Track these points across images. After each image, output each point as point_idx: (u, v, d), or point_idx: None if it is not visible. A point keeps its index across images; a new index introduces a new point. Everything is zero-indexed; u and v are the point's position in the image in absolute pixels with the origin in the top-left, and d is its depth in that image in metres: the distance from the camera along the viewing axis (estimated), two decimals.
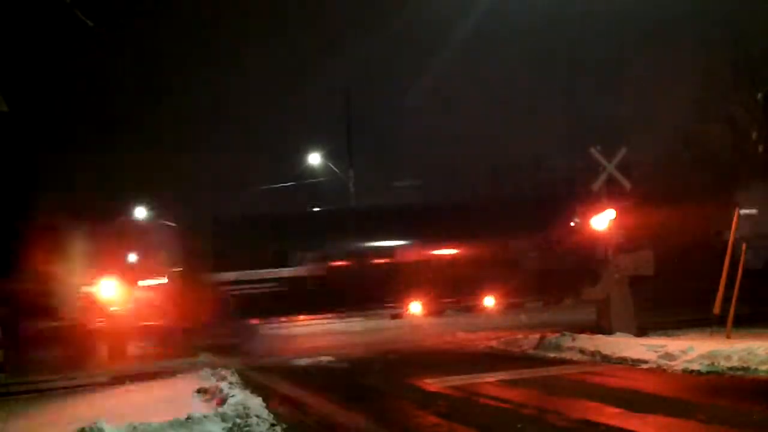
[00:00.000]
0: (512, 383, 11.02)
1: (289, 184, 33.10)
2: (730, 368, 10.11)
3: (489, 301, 25.28)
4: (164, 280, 24.64)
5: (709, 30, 25.36)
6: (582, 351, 13.30)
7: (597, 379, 10.72)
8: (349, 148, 31.01)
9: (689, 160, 25.94)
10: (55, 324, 20.33)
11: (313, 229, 28.26)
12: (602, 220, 15.62)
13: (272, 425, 8.40)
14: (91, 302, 21.82)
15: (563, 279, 22.58)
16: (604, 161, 15.72)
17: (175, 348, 20.03)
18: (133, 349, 21.59)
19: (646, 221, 16.03)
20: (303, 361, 16.51)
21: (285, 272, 26.09)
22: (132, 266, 26.31)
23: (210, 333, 21.45)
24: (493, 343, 16.65)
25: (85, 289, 22.47)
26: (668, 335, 14.45)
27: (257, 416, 8.67)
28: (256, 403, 9.42)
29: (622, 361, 11.96)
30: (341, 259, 27.01)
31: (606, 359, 12.40)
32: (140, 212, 33.02)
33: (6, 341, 18.23)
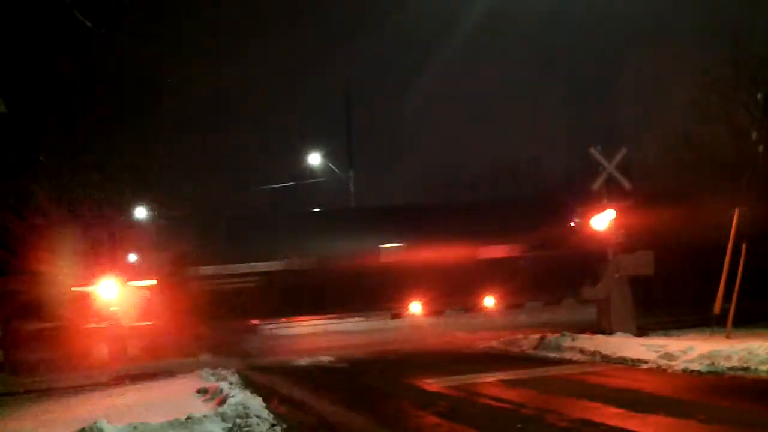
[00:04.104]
0: (512, 383, 11.02)
1: (289, 184, 33.10)
2: (730, 368, 10.12)
3: (489, 301, 25.27)
4: (153, 281, 24.22)
5: (709, 30, 25.37)
6: (582, 351, 13.31)
7: (597, 379, 10.72)
8: (349, 148, 31.04)
9: (689, 160, 25.92)
10: (47, 325, 20.30)
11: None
12: (602, 220, 15.63)
13: (272, 425, 8.40)
14: (86, 303, 21.72)
15: (563, 279, 22.57)
16: (604, 161, 15.73)
17: (169, 348, 20.00)
18: (133, 349, 21.59)
19: (648, 221, 16.02)
20: (303, 361, 16.51)
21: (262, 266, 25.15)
22: (128, 266, 26.07)
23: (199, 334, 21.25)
24: (493, 343, 16.65)
25: (78, 289, 22.35)
26: (668, 335, 14.46)
27: (257, 416, 8.67)
28: (256, 403, 9.42)
29: (622, 361, 11.97)
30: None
31: (606, 359, 12.40)
32: (140, 212, 32.96)
33: (4, 341, 18.27)
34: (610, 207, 15.66)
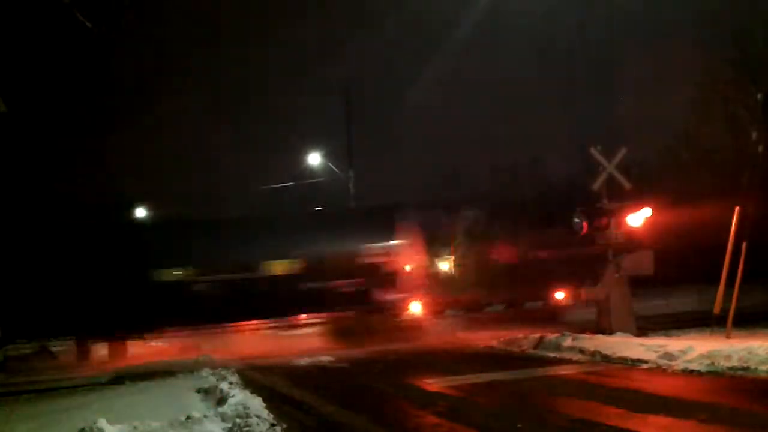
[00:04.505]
0: (512, 383, 11.02)
1: (289, 184, 33.12)
2: (730, 368, 10.12)
3: (489, 301, 25.25)
4: None
5: (709, 30, 25.39)
6: (582, 351, 13.30)
7: (597, 379, 10.72)
8: (349, 148, 30.95)
9: (689, 160, 25.96)
10: None
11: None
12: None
13: (272, 425, 8.40)
14: None
15: (563, 279, 22.54)
16: (604, 161, 15.73)
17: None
18: (133, 349, 21.60)
19: (648, 221, 16.01)
20: (303, 361, 16.50)
21: None
22: None
23: None
24: (493, 343, 16.65)
25: None
26: (668, 335, 14.46)
27: (257, 416, 8.67)
28: (256, 403, 9.42)
29: (622, 361, 11.96)
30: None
31: (606, 359, 12.39)
32: (140, 212, 33.02)
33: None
34: (611, 207, 15.66)
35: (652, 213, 15.78)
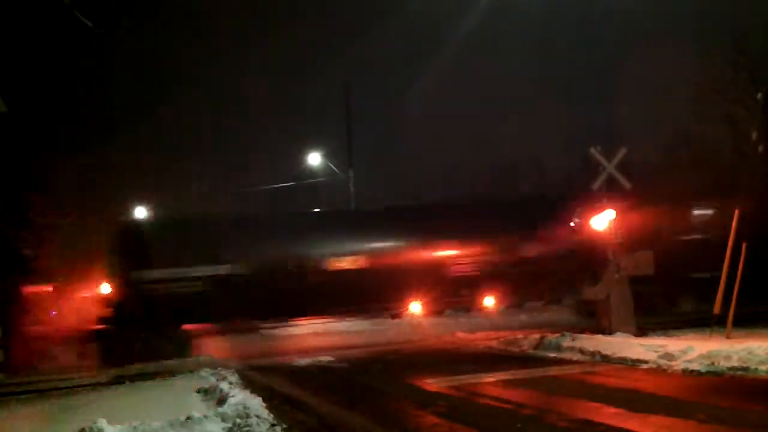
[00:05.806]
0: (512, 383, 11.02)
1: (289, 184, 33.15)
2: (730, 368, 10.12)
3: (489, 301, 25.24)
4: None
5: (709, 30, 25.39)
6: (582, 351, 13.31)
7: (597, 379, 10.72)
8: (349, 147, 30.94)
9: (689, 160, 25.95)
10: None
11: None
12: (602, 221, 15.62)
13: (272, 425, 8.41)
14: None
15: (563, 279, 22.52)
16: (604, 161, 15.73)
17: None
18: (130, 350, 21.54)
19: (647, 221, 16.01)
20: (303, 361, 16.51)
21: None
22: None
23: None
24: (493, 343, 16.66)
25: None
26: (668, 335, 14.46)
27: (257, 416, 8.67)
28: (256, 403, 9.42)
29: (622, 361, 11.97)
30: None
31: (606, 359, 12.40)
32: (140, 212, 33.01)
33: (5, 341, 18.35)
34: (610, 207, 15.66)
35: (652, 213, 15.78)
